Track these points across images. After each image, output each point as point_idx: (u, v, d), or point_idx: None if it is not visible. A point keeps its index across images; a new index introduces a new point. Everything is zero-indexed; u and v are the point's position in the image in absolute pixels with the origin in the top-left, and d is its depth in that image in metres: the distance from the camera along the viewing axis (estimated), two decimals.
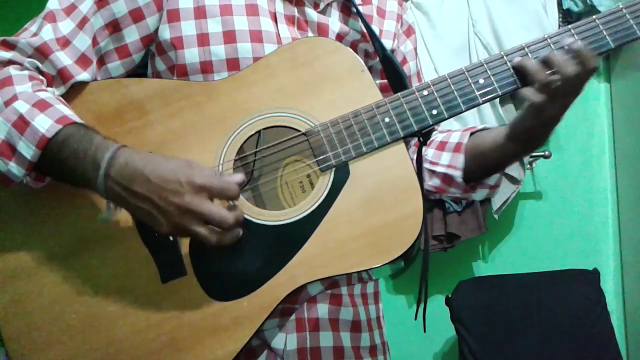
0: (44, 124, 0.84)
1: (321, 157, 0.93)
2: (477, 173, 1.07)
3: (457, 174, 1.06)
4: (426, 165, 1.10)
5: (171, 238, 0.90)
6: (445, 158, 1.08)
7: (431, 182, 1.10)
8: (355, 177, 0.92)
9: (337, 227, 0.90)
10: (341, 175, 0.92)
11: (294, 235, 0.90)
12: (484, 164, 1.06)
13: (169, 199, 0.81)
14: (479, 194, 1.11)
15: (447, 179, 1.08)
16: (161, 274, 0.90)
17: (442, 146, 1.10)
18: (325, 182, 0.92)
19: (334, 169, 0.92)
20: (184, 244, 0.90)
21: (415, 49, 1.19)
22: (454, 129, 1.14)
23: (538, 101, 0.92)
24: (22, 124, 0.85)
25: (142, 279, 0.90)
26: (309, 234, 0.90)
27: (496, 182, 1.10)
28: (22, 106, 0.86)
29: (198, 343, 0.89)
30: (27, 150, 0.84)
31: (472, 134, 1.09)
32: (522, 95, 0.93)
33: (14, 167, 0.85)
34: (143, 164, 0.83)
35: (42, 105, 0.86)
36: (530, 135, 0.98)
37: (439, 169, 1.08)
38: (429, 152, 1.11)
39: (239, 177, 0.86)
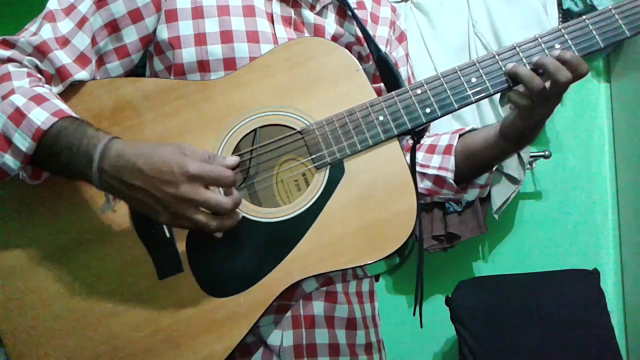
0: (39, 117, 0.85)
1: (316, 155, 0.93)
2: (468, 173, 1.09)
3: (449, 176, 1.08)
4: (417, 168, 1.11)
5: (168, 234, 0.91)
6: (435, 160, 1.10)
7: (422, 185, 1.12)
8: (350, 175, 0.93)
9: (332, 224, 0.91)
10: (336, 173, 0.93)
11: (290, 232, 0.91)
12: (474, 163, 1.07)
13: (164, 190, 0.81)
14: (471, 194, 1.13)
15: (438, 180, 1.10)
16: (158, 271, 0.91)
17: (431, 149, 1.12)
18: (320, 180, 0.93)
19: (329, 166, 0.93)
20: (181, 241, 0.91)
21: (407, 55, 1.21)
22: (441, 133, 1.16)
23: (529, 106, 0.93)
24: (18, 116, 0.85)
25: (139, 276, 0.91)
26: (305, 230, 0.91)
27: (486, 181, 1.12)
28: (18, 99, 0.87)
29: (195, 339, 0.90)
30: (23, 142, 0.85)
31: (460, 135, 1.10)
32: (513, 101, 0.95)
33: (9, 160, 0.86)
34: (135, 155, 0.83)
35: (38, 99, 0.87)
36: (521, 134, 1.00)
37: (430, 171, 1.10)
38: (418, 156, 1.12)
39: (232, 160, 0.86)
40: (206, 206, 0.82)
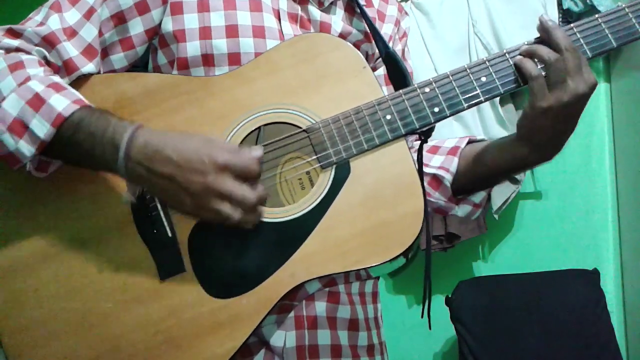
0: (60, 103, 0.84)
1: (322, 154, 0.92)
2: (470, 182, 1.04)
3: (447, 177, 1.04)
4: None
5: (170, 234, 0.90)
6: (437, 160, 1.07)
7: None
8: (356, 175, 0.91)
9: (337, 225, 0.90)
10: (342, 173, 0.91)
11: (294, 233, 0.90)
12: (483, 172, 1.03)
13: (192, 179, 0.81)
14: (462, 210, 1.09)
15: (435, 181, 1.06)
16: (159, 271, 0.90)
17: (434, 149, 1.09)
18: (326, 179, 0.91)
19: (334, 166, 0.92)
20: (183, 241, 0.90)
21: (404, 50, 1.19)
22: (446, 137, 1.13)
23: (541, 82, 0.90)
24: (37, 101, 0.84)
25: (140, 276, 0.90)
26: (309, 231, 0.89)
27: (481, 201, 1.08)
28: (37, 86, 0.85)
29: (196, 340, 0.88)
30: (41, 128, 0.84)
31: (470, 141, 1.07)
32: (524, 70, 0.91)
33: (23, 146, 0.84)
34: (164, 144, 0.82)
35: (57, 87, 0.86)
36: (533, 126, 0.93)
37: (428, 170, 1.06)
38: None
39: (258, 151, 0.84)
40: (232, 198, 0.81)
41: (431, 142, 1.11)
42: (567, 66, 0.88)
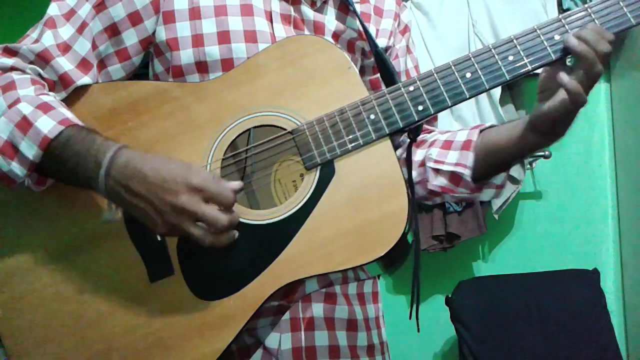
0: (46, 125, 0.86)
1: (306, 155, 0.92)
2: (485, 171, 1.04)
3: (467, 172, 1.03)
4: (430, 164, 1.07)
5: (159, 238, 0.91)
6: (452, 156, 1.05)
7: (436, 182, 1.06)
8: (340, 175, 0.92)
9: (322, 226, 0.90)
10: (327, 174, 0.92)
11: (280, 234, 0.90)
12: (496, 160, 1.03)
13: (165, 199, 0.82)
14: (486, 194, 1.08)
15: (455, 178, 1.05)
16: (149, 274, 0.91)
17: (447, 145, 1.07)
18: (310, 181, 0.92)
19: (319, 167, 0.92)
20: (172, 244, 0.91)
21: (408, 46, 1.18)
22: (457, 129, 1.12)
23: (578, 89, 0.88)
24: (25, 124, 0.87)
25: (131, 279, 0.92)
26: (294, 232, 0.90)
27: (502, 181, 1.07)
28: (25, 108, 0.88)
29: (185, 342, 0.89)
30: (29, 150, 0.86)
31: (481, 131, 1.06)
32: (567, 87, 0.89)
33: (16, 167, 0.87)
34: (142, 164, 0.84)
35: (45, 108, 0.88)
36: (555, 123, 0.94)
37: (445, 167, 1.05)
38: (432, 152, 1.08)
39: (236, 184, 0.87)
40: (203, 220, 0.83)
41: (442, 135, 1.11)
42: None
